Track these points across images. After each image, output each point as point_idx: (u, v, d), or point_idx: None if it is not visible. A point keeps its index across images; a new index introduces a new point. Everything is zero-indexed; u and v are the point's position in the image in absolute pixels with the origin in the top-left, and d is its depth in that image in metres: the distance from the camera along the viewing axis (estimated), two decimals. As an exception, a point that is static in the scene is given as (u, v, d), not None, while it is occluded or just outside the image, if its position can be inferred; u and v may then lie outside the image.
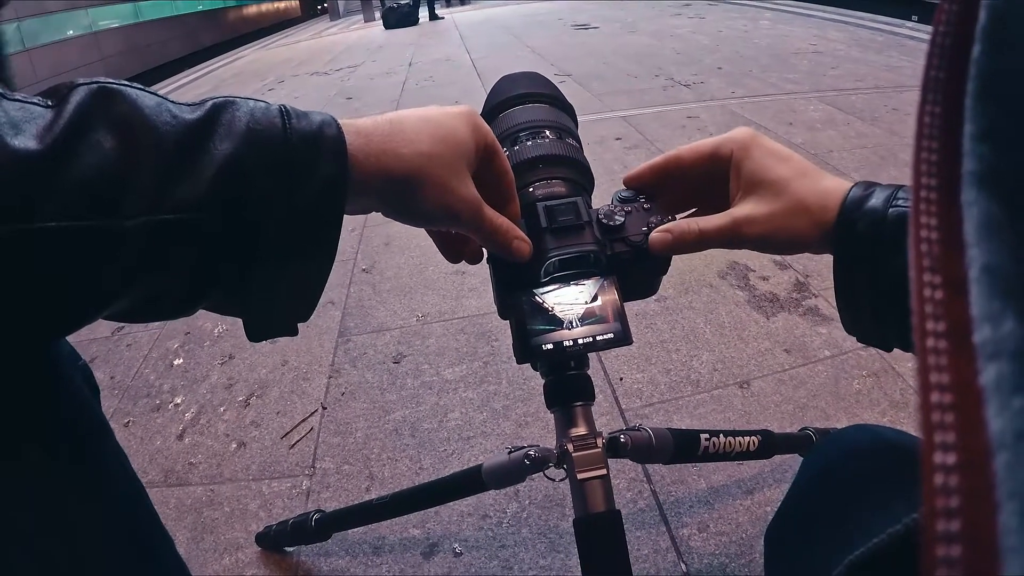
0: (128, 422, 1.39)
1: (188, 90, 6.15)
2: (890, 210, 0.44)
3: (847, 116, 2.83)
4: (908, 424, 1.16)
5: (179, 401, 1.44)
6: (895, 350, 0.48)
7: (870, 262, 0.44)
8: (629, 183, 0.57)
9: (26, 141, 0.31)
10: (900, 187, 0.45)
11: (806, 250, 0.49)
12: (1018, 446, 0.11)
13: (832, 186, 0.48)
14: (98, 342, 1.70)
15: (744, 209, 0.50)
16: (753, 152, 0.52)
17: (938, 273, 0.14)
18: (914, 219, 0.15)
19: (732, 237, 0.50)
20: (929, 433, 0.12)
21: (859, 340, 0.50)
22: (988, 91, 0.15)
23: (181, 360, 1.59)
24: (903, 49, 4.18)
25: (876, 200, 0.45)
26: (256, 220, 0.37)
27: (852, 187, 0.47)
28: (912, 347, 0.42)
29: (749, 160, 0.52)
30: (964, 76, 0.16)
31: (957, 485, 0.11)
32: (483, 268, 0.56)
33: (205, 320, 1.73)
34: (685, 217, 0.55)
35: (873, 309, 0.46)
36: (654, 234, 0.52)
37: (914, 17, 5.10)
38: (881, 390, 1.25)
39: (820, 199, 0.48)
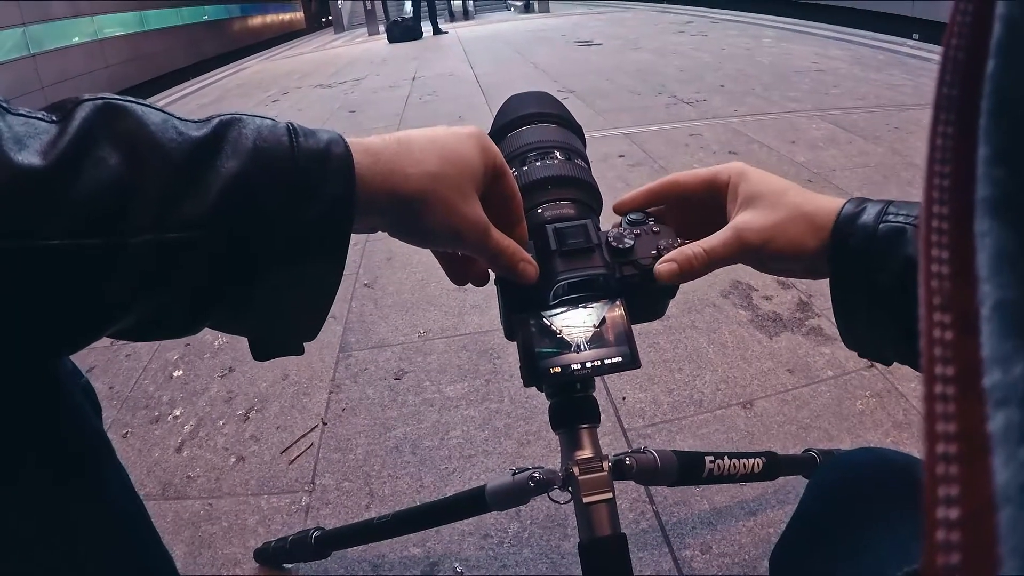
0: (126, 433, 1.38)
1: (191, 100, 6.17)
2: (880, 225, 0.44)
3: (849, 135, 2.84)
4: (911, 445, 1.16)
5: (178, 413, 1.44)
6: (898, 368, 0.48)
7: (864, 278, 0.45)
8: (619, 210, 0.58)
9: (30, 157, 0.31)
10: (891, 203, 0.46)
11: (806, 261, 0.50)
12: (1023, 500, 0.11)
13: (826, 202, 0.49)
14: (97, 352, 1.70)
15: (744, 219, 0.51)
16: (749, 177, 0.53)
17: (949, 312, 0.14)
18: (924, 252, 0.15)
19: (737, 248, 0.50)
20: (933, 486, 0.12)
21: (860, 355, 0.51)
22: (1005, 110, 0.14)
23: (181, 372, 1.59)
24: (904, 67, 4.19)
25: (867, 216, 0.46)
26: (262, 239, 0.37)
27: (845, 204, 0.48)
28: (909, 360, 0.42)
29: (745, 182, 0.53)
30: (978, 94, 0.15)
31: (959, 542, 0.11)
32: (485, 286, 0.56)
33: (205, 333, 1.70)
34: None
35: (869, 324, 0.47)
36: (659, 266, 0.52)
37: (915, 35, 5.13)
38: (884, 410, 1.24)
39: (816, 210, 0.49)
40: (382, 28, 10.46)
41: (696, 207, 0.58)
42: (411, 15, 9.40)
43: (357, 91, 5.22)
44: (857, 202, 0.47)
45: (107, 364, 1.65)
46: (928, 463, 0.12)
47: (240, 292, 0.38)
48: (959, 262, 0.14)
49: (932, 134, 0.16)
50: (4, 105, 0.33)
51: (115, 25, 8.65)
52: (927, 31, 5.01)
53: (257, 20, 15.16)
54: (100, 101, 0.35)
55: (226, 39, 12.67)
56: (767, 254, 0.50)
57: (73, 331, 0.36)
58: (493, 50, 7.03)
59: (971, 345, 0.13)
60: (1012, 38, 0.14)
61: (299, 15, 19.18)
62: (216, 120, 0.38)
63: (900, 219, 0.44)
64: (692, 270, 0.51)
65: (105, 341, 1.50)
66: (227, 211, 0.36)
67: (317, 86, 5.78)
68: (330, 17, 15.71)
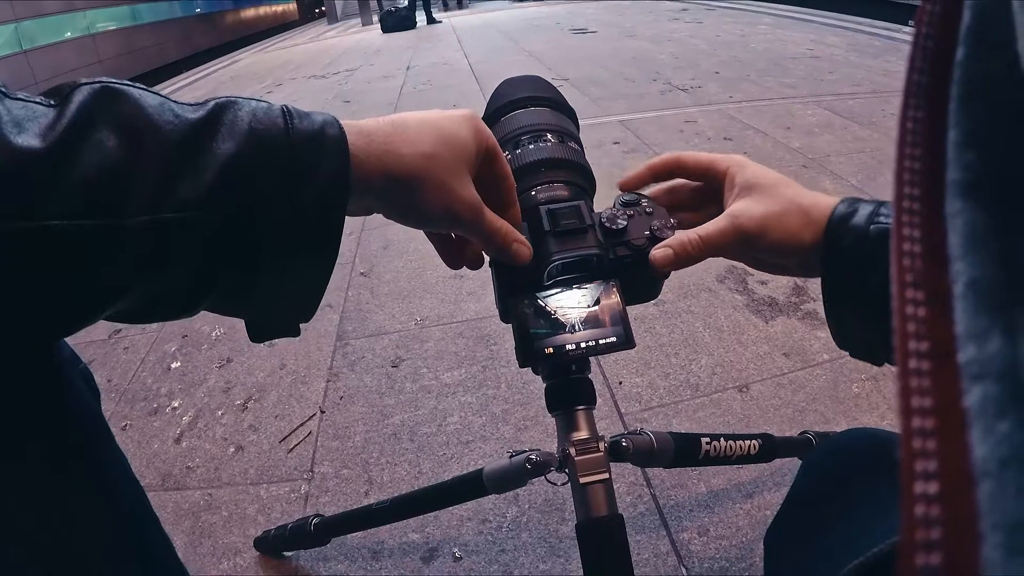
0: (125, 425, 1.39)
1: (186, 92, 6.14)
2: (871, 227, 0.44)
3: (844, 120, 2.84)
4: (907, 428, 1.16)
5: (177, 405, 1.44)
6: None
7: (855, 279, 0.45)
8: (624, 187, 0.58)
9: (29, 139, 0.31)
10: (882, 203, 0.46)
11: (801, 255, 0.50)
12: (1003, 474, 0.11)
13: (821, 199, 0.49)
14: (95, 345, 1.70)
15: (740, 207, 0.51)
16: (747, 168, 0.54)
17: (921, 289, 0.14)
18: (896, 231, 0.15)
19: (733, 235, 0.50)
20: (910, 460, 0.12)
21: (851, 355, 0.51)
22: (974, 95, 0.14)
23: (179, 363, 1.59)
24: (900, 54, 4.19)
25: (859, 218, 0.46)
26: (258, 219, 0.37)
27: (838, 204, 0.48)
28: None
29: (743, 173, 0.53)
30: (948, 80, 0.15)
31: (938, 516, 0.11)
32: (481, 272, 0.56)
33: (203, 323, 1.72)
34: (684, 221, 0.56)
35: (860, 325, 0.47)
36: (654, 252, 0.52)
37: (911, 22, 5.11)
38: (880, 393, 1.25)
39: (812, 205, 0.49)
40: (376, 18, 10.41)
41: (693, 191, 0.59)
42: (405, 5, 9.34)
43: (351, 81, 5.20)
44: (849, 202, 0.47)
45: (105, 357, 1.65)
46: (905, 438, 0.12)
47: (237, 273, 0.38)
48: (930, 242, 0.14)
49: (903, 118, 0.16)
50: (3, 90, 0.34)
51: (108, 19, 8.59)
52: (922, 16, 4.99)
53: (250, 12, 15.05)
54: (98, 85, 0.35)
55: (219, 31, 12.60)
56: (763, 245, 0.50)
57: (71, 312, 0.36)
58: (487, 39, 7.00)
59: (944, 322, 0.13)
60: (981, 26, 0.15)
61: (292, 6, 19.06)
62: (212, 103, 0.38)
63: (891, 221, 0.44)
64: (687, 256, 0.51)
65: (103, 334, 1.51)
66: (224, 192, 0.36)
67: (311, 77, 5.75)
68: (323, 8, 15.63)
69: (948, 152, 0.14)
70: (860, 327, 0.47)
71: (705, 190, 0.59)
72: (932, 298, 0.13)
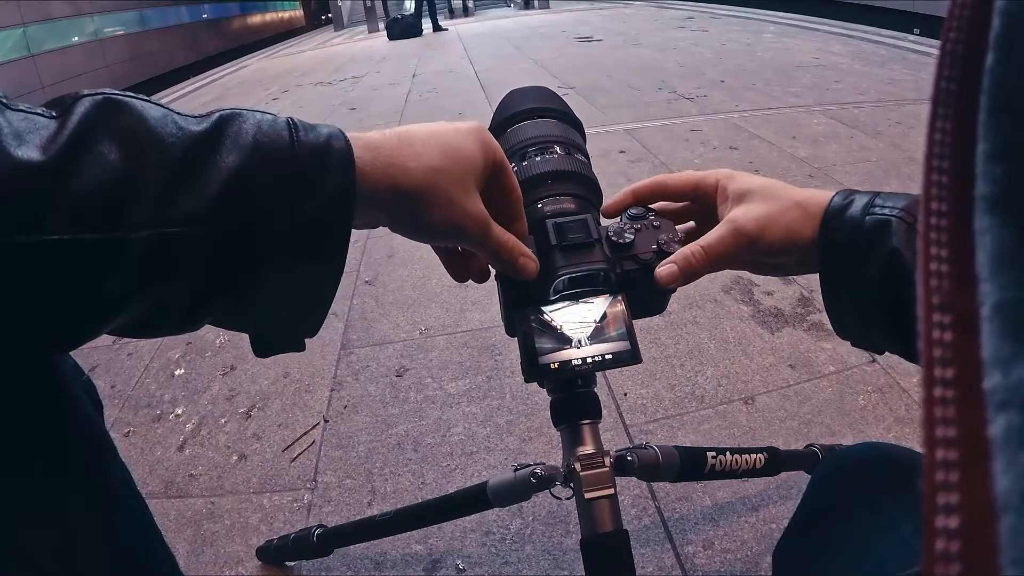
0: (128, 432, 1.38)
1: (192, 98, 6.17)
2: (867, 218, 0.45)
3: (850, 130, 2.83)
4: (913, 440, 1.16)
5: (180, 412, 1.44)
6: (900, 363, 0.49)
7: (851, 270, 0.46)
8: (607, 214, 0.58)
9: (30, 152, 0.31)
10: (877, 194, 0.46)
11: (800, 252, 0.50)
12: None
13: (816, 193, 0.50)
14: (99, 351, 1.70)
15: (738, 212, 0.51)
16: (737, 177, 0.54)
17: (948, 312, 0.13)
18: (923, 250, 0.14)
19: (734, 241, 0.50)
20: (932, 494, 0.12)
21: (852, 344, 0.52)
22: (1004, 105, 0.14)
23: (182, 370, 1.59)
24: (905, 62, 4.19)
25: (854, 208, 0.46)
26: (262, 233, 0.37)
27: (834, 196, 0.48)
28: (898, 348, 0.42)
29: (734, 183, 0.53)
30: (977, 88, 0.14)
31: (958, 551, 0.11)
32: (487, 282, 0.55)
33: (207, 330, 1.72)
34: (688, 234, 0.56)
35: (858, 315, 0.47)
36: (659, 270, 0.52)
37: (916, 30, 5.11)
38: (886, 405, 1.24)
39: (807, 200, 0.49)
40: (382, 25, 10.46)
41: (683, 212, 0.59)
42: (411, 12, 9.38)
43: (357, 88, 5.22)
44: (845, 194, 0.48)
45: (109, 363, 1.65)
46: (928, 470, 0.12)
47: (240, 287, 0.38)
48: (958, 261, 0.14)
49: (930, 129, 0.15)
50: (4, 101, 0.33)
51: (115, 24, 8.64)
52: (928, 26, 4.99)
53: (257, 18, 15.12)
54: (99, 96, 0.35)
55: (226, 37, 12.66)
56: (763, 246, 0.50)
57: (74, 326, 0.36)
58: (493, 46, 7.02)
59: (971, 346, 0.12)
60: (1011, 32, 0.14)
61: (299, 13, 19.15)
62: (216, 115, 0.38)
63: (886, 211, 0.45)
64: (693, 270, 0.51)
65: (107, 340, 1.50)
66: (227, 205, 0.35)
67: (317, 84, 5.78)
68: (330, 15, 15.70)
69: (977, 165, 0.14)
70: (857, 316, 0.48)
71: (694, 209, 0.59)
72: (959, 321, 0.13)
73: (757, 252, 0.51)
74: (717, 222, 0.53)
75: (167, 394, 1.51)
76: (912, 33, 5.12)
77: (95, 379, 1.52)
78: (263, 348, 0.44)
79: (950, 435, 0.12)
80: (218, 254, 0.36)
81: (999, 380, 0.12)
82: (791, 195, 0.50)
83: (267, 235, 0.37)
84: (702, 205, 0.56)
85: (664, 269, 0.51)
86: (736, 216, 0.50)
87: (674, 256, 0.52)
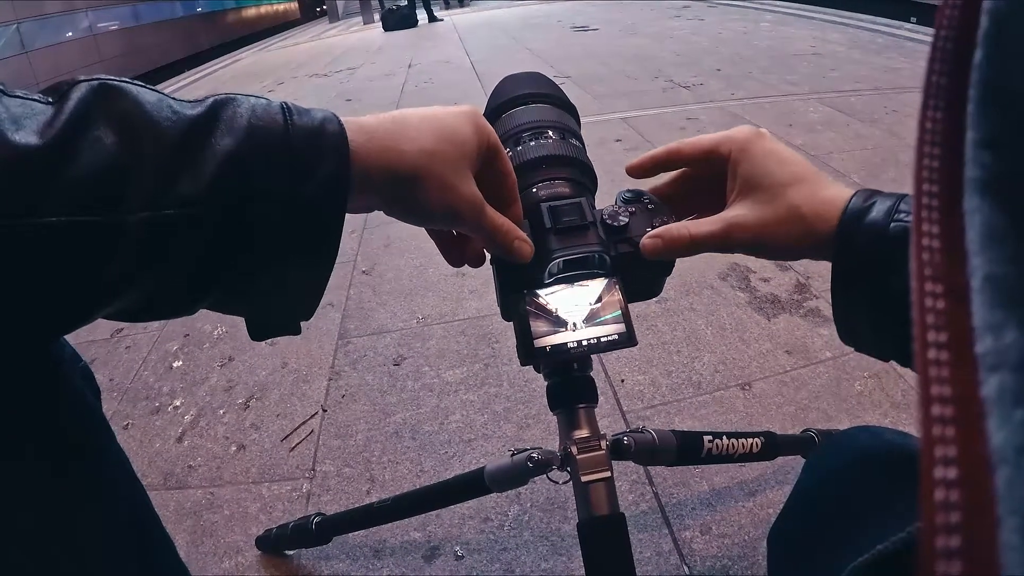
0: (127, 424, 1.39)
1: (187, 92, 6.13)
2: (892, 224, 0.42)
3: (847, 118, 2.83)
4: (909, 425, 1.16)
5: (178, 403, 1.44)
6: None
7: (870, 277, 0.43)
8: (632, 171, 0.56)
9: (27, 137, 0.31)
10: (902, 198, 0.43)
11: (801, 257, 0.48)
12: (1019, 460, 0.11)
13: (831, 195, 0.46)
14: (97, 344, 1.70)
15: (736, 213, 0.49)
16: (751, 154, 0.50)
17: (940, 282, 0.14)
18: (916, 227, 0.15)
19: (723, 241, 0.49)
20: (930, 447, 0.12)
21: (856, 350, 0.49)
22: (991, 97, 0.15)
23: (180, 362, 1.59)
24: (902, 50, 4.18)
25: (876, 213, 0.43)
26: (257, 216, 0.37)
27: (852, 197, 0.45)
28: (911, 362, 0.41)
29: (746, 162, 0.50)
30: (966, 81, 0.16)
31: (958, 500, 0.11)
32: (483, 270, 0.56)
33: (204, 322, 1.72)
34: (690, 219, 0.55)
35: (872, 322, 0.45)
36: (645, 239, 0.51)
37: (913, 19, 5.10)
38: (883, 391, 1.24)
39: (817, 208, 0.46)
40: (377, 17, 10.40)
41: (699, 173, 0.56)
42: (406, 3, 9.34)
43: (353, 80, 5.20)
44: (865, 196, 0.44)
45: (107, 356, 1.65)
46: (925, 425, 0.12)
47: (238, 269, 0.38)
48: (949, 237, 0.15)
49: (922, 118, 0.16)
50: (1, 88, 0.33)
51: (109, 19, 8.59)
52: (925, 14, 4.98)
53: (251, 11, 15.04)
54: (96, 82, 0.35)
55: (221, 30, 12.60)
56: (756, 251, 0.49)
57: (71, 310, 0.36)
58: (489, 36, 6.99)
59: (962, 314, 0.13)
60: (998, 30, 0.15)
61: (293, 5, 19.05)
62: (211, 100, 0.38)
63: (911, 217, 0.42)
64: (675, 249, 0.50)
65: (105, 333, 1.51)
66: (223, 188, 0.36)
67: (313, 76, 5.75)
68: (324, 6, 15.62)
69: (967, 151, 0.15)
70: (874, 326, 0.45)
71: (709, 177, 0.54)
72: (951, 292, 0.14)
73: (747, 252, 0.50)
74: (724, 199, 0.51)
75: (165, 386, 1.51)
76: (909, 21, 5.10)
77: (93, 372, 1.53)
78: (259, 331, 0.45)
79: (945, 393, 0.13)
80: (215, 236, 0.36)
81: (991, 344, 0.12)
82: (799, 204, 0.46)
83: (263, 217, 0.37)
84: (715, 172, 0.53)
85: (650, 241, 0.51)
86: (732, 218, 0.48)
87: (662, 230, 0.51)
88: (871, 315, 0.44)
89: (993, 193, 0.14)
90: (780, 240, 0.47)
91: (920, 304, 0.14)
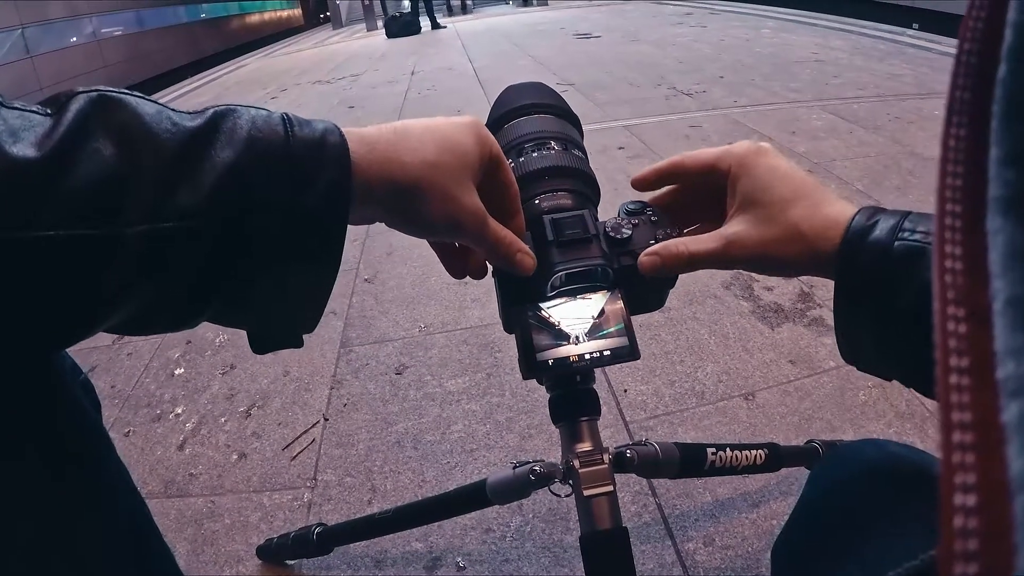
0: (128, 431, 1.38)
1: (191, 98, 6.16)
2: (896, 243, 0.41)
3: (850, 125, 2.83)
4: (914, 436, 1.16)
5: (180, 411, 1.44)
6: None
7: (874, 296, 0.42)
8: (637, 184, 0.56)
9: (25, 149, 0.31)
10: (906, 216, 0.42)
11: (802, 274, 0.48)
12: None
13: (834, 212, 0.45)
14: (99, 351, 1.70)
15: (736, 230, 0.48)
16: (752, 169, 0.49)
17: (962, 305, 0.14)
18: (938, 248, 0.15)
19: (722, 258, 0.49)
20: (949, 474, 0.12)
21: (858, 368, 0.48)
22: (1015, 113, 0.15)
23: (182, 370, 1.59)
24: (905, 57, 4.18)
25: (880, 231, 0.42)
26: (257, 227, 0.37)
27: (855, 215, 0.44)
28: (913, 381, 0.40)
29: (747, 178, 0.49)
30: (990, 97, 0.15)
31: (976, 527, 0.11)
32: (485, 279, 0.55)
33: (206, 330, 1.72)
34: (691, 231, 0.55)
35: (875, 341, 0.44)
36: (643, 257, 0.50)
37: (915, 25, 5.11)
38: (887, 401, 1.24)
39: (818, 227, 0.45)
40: (380, 24, 10.44)
41: (701, 187, 0.55)
42: (409, 10, 9.36)
43: (356, 87, 5.21)
44: (869, 214, 0.44)
45: (109, 363, 1.65)
46: (945, 451, 0.12)
47: (237, 282, 0.38)
48: (972, 258, 0.14)
49: (945, 135, 0.16)
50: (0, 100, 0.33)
51: (113, 24, 8.63)
52: (927, 21, 4.99)
53: (255, 17, 15.10)
54: (94, 93, 0.35)
55: (225, 37, 12.65)
56: (755, 268, 0.49)
57: (70, 323, 0.35)
58: (492, 44, 7.01)
59: (984, 337, 0.13)
60: (1022, 44, 0.15)
61: (297, 12, 19.12)
62: (210, 111, 0.38)
63: (917, 237, 0.40)
64: (673, 266, 0.50)
65: (107, 341, 1.51)
66: (223, 200, 0.35)
67: (316, 82, 5.77)
68: (328, 13, 15.68)
69: (990, 169, 0.14)
70: (878, 346, 0.44)
71: (711, 190, 0.54)
72: (972, 315, 0.14)
73: (749, 269, 0.50)
74: (723, 214, 0.51)
75: (167, 393, 1.50)
76: (911, 28, 5.11)
77: (95, 379, 1.52)
78: (261, 345, 0.44)
79: (966, 419, 0.12)
80: (215, 249, 0.36)
81: (1012, 369, 0.12)
82: (798, 223, 0.46)
83: (263, 229, 0.37)
84: (716, 186, 0.52)
85: (647, 259, 0.50)
86: (731, 236, 0.48)
87: (659, 247, 0.50)
88: (874, 334, 0.43)
89: (1016, 212, 0.14)
90: (780, 257, 0.47)
91: (943, 328, 0.14)
